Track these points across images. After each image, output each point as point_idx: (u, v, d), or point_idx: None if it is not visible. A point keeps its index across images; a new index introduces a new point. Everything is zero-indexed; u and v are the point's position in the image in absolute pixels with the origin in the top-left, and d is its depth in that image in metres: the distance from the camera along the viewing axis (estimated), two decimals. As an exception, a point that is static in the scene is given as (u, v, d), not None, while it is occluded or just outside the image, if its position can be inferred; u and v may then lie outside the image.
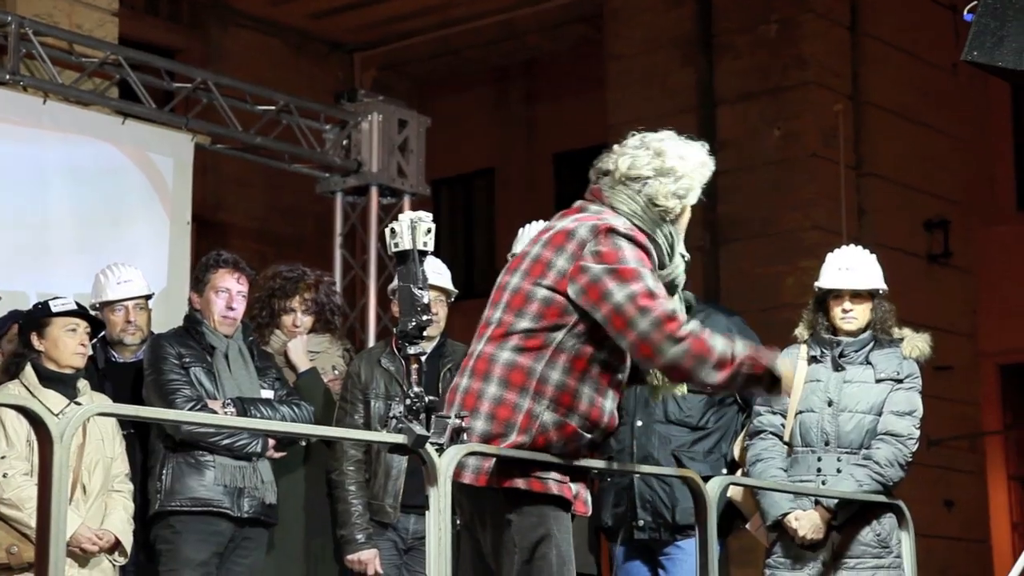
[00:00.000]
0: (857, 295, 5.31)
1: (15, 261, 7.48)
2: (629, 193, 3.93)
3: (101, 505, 5.29)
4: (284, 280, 6.07)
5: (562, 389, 3.81)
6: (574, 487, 3.88)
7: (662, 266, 3.92)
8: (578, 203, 4.00)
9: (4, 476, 5.12)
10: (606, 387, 3.88)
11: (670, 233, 3.95)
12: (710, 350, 3.78)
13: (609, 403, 3.90)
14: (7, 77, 7.56)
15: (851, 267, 5.32)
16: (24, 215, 7.60)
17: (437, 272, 5.63)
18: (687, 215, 4.01)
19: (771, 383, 3.89)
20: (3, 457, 5.14)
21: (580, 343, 3.82)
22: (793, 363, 5.09)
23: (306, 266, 6.27)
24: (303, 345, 6.02)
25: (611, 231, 3.83)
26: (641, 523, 5.44)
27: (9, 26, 7.59)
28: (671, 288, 3.94)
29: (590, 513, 4.03)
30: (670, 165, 3.94)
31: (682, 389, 4.08)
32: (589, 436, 3.86)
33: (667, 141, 4.00)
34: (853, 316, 5.31)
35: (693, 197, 3.98)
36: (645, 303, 3.75)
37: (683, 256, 4.01)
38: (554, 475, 3.82)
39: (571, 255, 3.83)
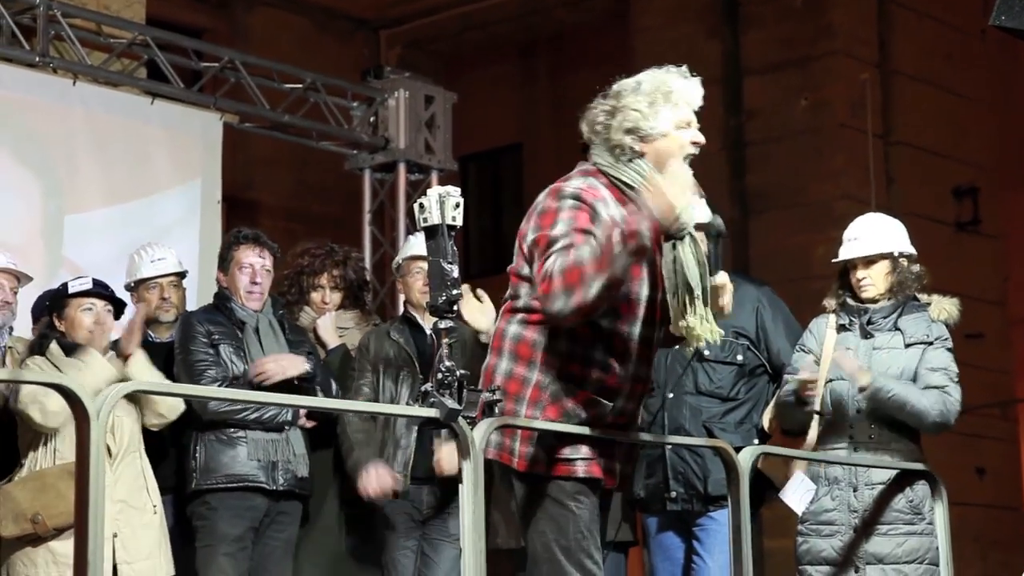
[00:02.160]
0: (870, 261, 5.31)
1: (47, 242, 7.52)
2: (597, 146, 3.90)
3: (131, 461, 5.35)
4: (312, 257, 6.09)
5: (570, 358, 3.78)
6: (603, 461, 3.85)
7: None
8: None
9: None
10: (621, 350, 3.81)
11: (643, 169, 3.82)
12: (581, 275, 3.59)
13: (629, 367, 3.83)
14: (37, 59, 7.59)
15: (858, 236, 5.35)
16: (55, 196, 7.64)
17: None
18: (665, 143, 3.85)
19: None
20: None
21: None
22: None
23: (335, 243, 6.28)
24: (333, 322, 6.03)
25: (557, 192, 3.79)
26: (674, 494, 5.45)
27: (38, 8, 7.62)
28: (679, 226, 3.80)
29: (616, 484, 3.97)
30: (619, 104, 3.87)
31: (708, 336, 3.92)
32: (610, 403, 3.82)
33: (627, 80, 3.92)
34: (869, 282, 5.32)
35: (654, 125, 3.85)
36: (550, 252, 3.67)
37: None
38: (583, 452, 3.79)
39: (535, 226, 3.81)
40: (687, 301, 3.84)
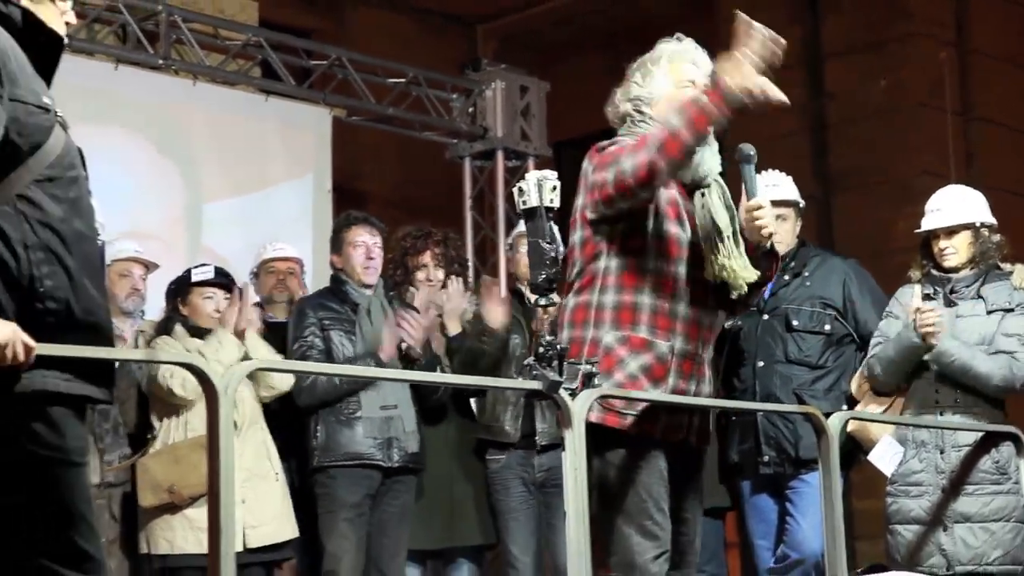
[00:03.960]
0: (952, 232, 5.24)
1: (174, 232, 7.65)
2: (624, 126, 3.95)
3: (254, 432, 5.42)
4: (413, 239, 6.08)
5: (620, 308, 3.76)
6: (664, 417, 3.77)
7: None
8: None
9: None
10: (668, 292, 3.76)
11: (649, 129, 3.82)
12: (647, 139, 3.64)
13: (681, 307, 3.77)
14: (159, 62, 7.70)
15: (940, 207, 5.29)
16: (181, 190, 7.76)
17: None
18: (667, 101, 3.83)
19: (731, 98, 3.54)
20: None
21: (622, 260, 3.76)
22: None
23: (435, 227, 6.29)
24: (460, 308, 5.93)
25: (598, 148, 3.85)
26: (766, 459, 5.43)
27: (160, 15, 7.73)
28: (700, 177, 3.80)
29: (686, 436, 3.85)
30: (629, 84, 3.96)
31: (743, 275, 3.78)
32: (666, 343, 3.76)
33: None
34: (952, 251, 5.25)
35: (652, 90, 3.89)
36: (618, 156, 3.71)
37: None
38: (637, 408, 3.72)
39: (583, 188, 3.85)
40: (717, 242, 3.77)
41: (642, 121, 3.88)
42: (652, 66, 3.93)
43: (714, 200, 3.81)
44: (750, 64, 3.50)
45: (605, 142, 3.87)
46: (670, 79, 3.91)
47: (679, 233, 3.80)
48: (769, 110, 3.66)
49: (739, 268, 3.76)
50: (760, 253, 3.84)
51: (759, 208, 3.78)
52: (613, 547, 3.74)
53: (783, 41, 3.52)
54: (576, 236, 3.86)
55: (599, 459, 3.75)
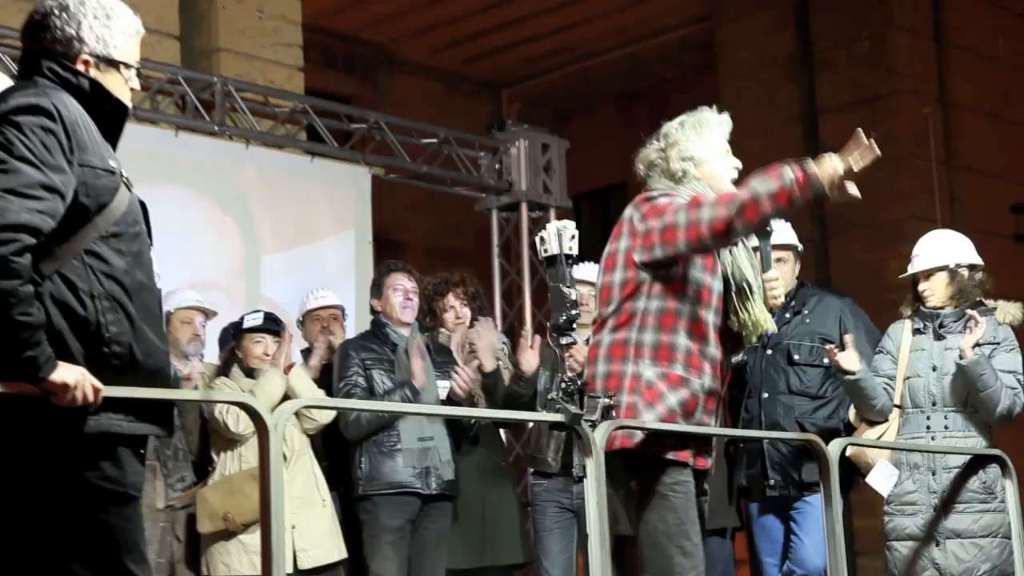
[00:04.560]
0: (929, 274, 5.23)
1: (235, 283, 7.66)
2: (654, 178, 3.93)
3: (303, 463, 5.42)
4: (435, 284, 6.06)
5: (658, 347, 3.75)
6: (693, 445, 3.79)
7: None
8: None
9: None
10: (700, 335, 3.78)
11: (701, 187, 3.87)
12: (732, 196, 3.66)
13: (710, 349, 3.80)
14: (215, 128, 7.74)
15: (919, 253, 5.30)
16: (240, 244, 7.78)
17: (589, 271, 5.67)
18: (713, 168, 3.89)
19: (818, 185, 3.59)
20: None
21: (662, 302, 3.76)
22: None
23: (467, 274, 6.26)
24: (492, 345, 5.87)
25: (646, 199, 3.83)
26: (772, 482, 5.39)
27: (215, 85, 7.78)
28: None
29: (712, 469, 3.93)
30: (671, 141, 3.92)
31: (766, 326, 3.90)
32: (698, 380, 3.77)
33: (668, 124, 3.97)
34: (930, 292, 5.25)
35: (702, 151, 3.89)
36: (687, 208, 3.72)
37: None
38: (675, 437, 3.74)
39: (628, 232, 3.83)
40: (748, 295, 3.84)
41: (696, 178, 3.89)
42: (702, 129, 3.93)
43: (742, 258, 3.87)
44: (847, 166, 3.58)
45: (654, 192, 3.87)
46: (718, 146, 3.93)
47: (711, 283, 3.84)
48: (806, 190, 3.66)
49: (763, 320, 3.86)
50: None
51: (775, 279, 3.92)
52: (651, 566, 3.72)
53: (879, 154, 3.60)
54: (616, 276, 3.84)
55: (639, 483, 3.76)
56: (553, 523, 5.73)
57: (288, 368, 5.52)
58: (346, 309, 6.30)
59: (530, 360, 5.67)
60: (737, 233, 3.67)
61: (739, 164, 3.94)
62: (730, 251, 3.86)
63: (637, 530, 3.80)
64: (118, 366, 2.89)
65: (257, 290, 7.69)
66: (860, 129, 3.60)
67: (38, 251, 2.79)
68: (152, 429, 2.97)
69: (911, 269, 5.32)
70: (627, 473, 3.79)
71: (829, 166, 3.59)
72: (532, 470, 5.84)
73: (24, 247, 2.75)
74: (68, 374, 2.76)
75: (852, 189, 3.61)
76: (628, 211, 3.88)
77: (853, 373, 5.10)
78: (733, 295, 3.86)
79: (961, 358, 5.03)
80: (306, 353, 6.00)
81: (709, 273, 3.83)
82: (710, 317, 3.81)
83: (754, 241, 3.96)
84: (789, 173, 3.59)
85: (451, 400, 5.56)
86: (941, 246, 5.30)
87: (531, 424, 5.68)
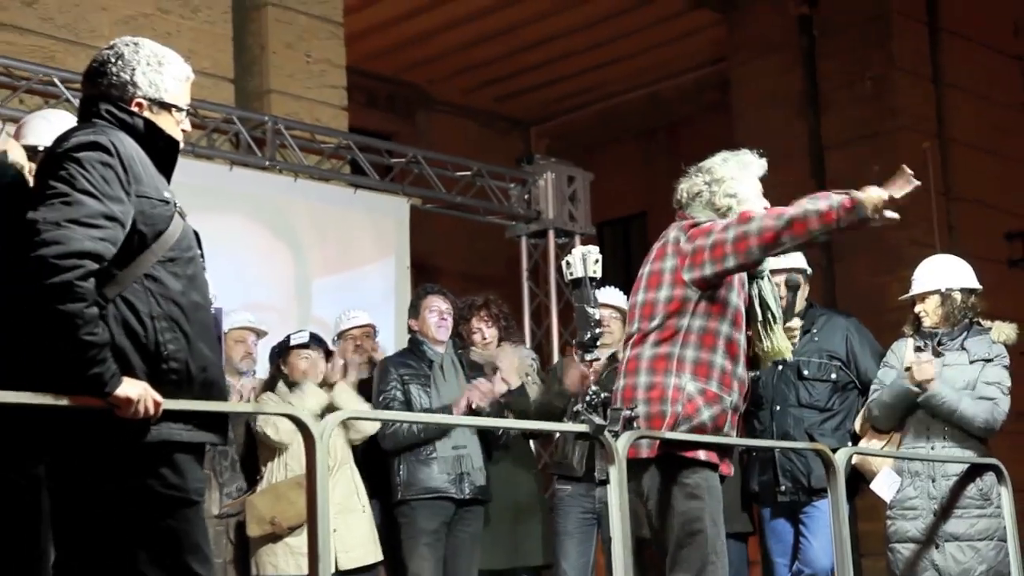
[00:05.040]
0: (923, 297, 5.23)
1: (288, 305, 7.69)
2: (694, 207, 3.93)
3: (344, 472, 5.41)
4: (460, 308, 5.99)
5: (698, 363, 3.75)
6: (718, 453, 3.82)
7: None
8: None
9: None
10: (733, 355, 3.80)
11: None
12: (781, 211, 3.67)
13: (739, 369, 3.82)
14: (266, 163, 7.79)
15: (916, 278, 5.30)
16: (292, 268, 7.82)
17: (611, 295, 5.67)
18: (752, 203, 3.90)
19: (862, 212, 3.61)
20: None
21: (704, 322, 3.76)
22: (900, 354, 5.03)
23: (498, 297, 6.24)
24: (514, 364, 5.81)
25: (693, 225, 3.84)
26: (783, 488, 5.36)
27: (266, 124, 7.84)
28: (759, 267, 3.87)
29: (732, 474, 3.96)
30: (716, 177, 3.93)
31: (786, 354, 3.95)
32: (729, 398, 3.79)
33: (711, 160, 3.99)
34: (924, 314, 5.24)
35: (745, 190, 3.91)
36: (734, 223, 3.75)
37: None
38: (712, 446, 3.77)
39: (674, 253, 3.82)
40: (772, 322, 3.89)
41: (709, 207, 3.93)
42: (745, 170, 3.96)
43: (765, 288, 3.92)
44: (891, 196, 3.61)
45: (701, 219, 3.88)
46: (756, 187, 3.96)
47: (742, 307, 3.87)
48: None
49: (784, 348, 3.92)
50: None
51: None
52: (685, 564, 3.70)
53: (919, 184, 3.65)
54: (661, 293, 3.82)
55: (679, 487, 3.74)
56: (574, 527, 5.70)
57: (335, 383, 5.52)
58: (377, 327, 6.28)
59: (575, 380, 5.53)
60: (783, 244, 3.69)
61: (768, 205, 3.95)
62: (758, 283, 3.88)
63: (657, 532, 3.78)
64: (176, 380, 2.91)
65: (308, 311, 7.72)
66: (904, 165, 3.66)
67: (101, 276, 2.82)
68: (209, 437, 2.99)
69: (909, 293, 5.32)
70: (661, 475, 3.77)
71: (875, 194, 3.62)
72: (557, 475, 5.81)
73: (88, 272, 2.78)
74: (132, 389, 2.79)
75: (890, 214, 3.65)
76: (673, 233, 3.88)
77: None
78: (758, 323, 3.90)
79: (921, 392, 5.00)
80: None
81: (741, 299, 3.87)
82: (742, 338, 3.84)
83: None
84: (837, 197, 3.63)
85: (471, 411, 5.51)
86: (936, 271, 5.29)
87: (558, 435, 5.67)
